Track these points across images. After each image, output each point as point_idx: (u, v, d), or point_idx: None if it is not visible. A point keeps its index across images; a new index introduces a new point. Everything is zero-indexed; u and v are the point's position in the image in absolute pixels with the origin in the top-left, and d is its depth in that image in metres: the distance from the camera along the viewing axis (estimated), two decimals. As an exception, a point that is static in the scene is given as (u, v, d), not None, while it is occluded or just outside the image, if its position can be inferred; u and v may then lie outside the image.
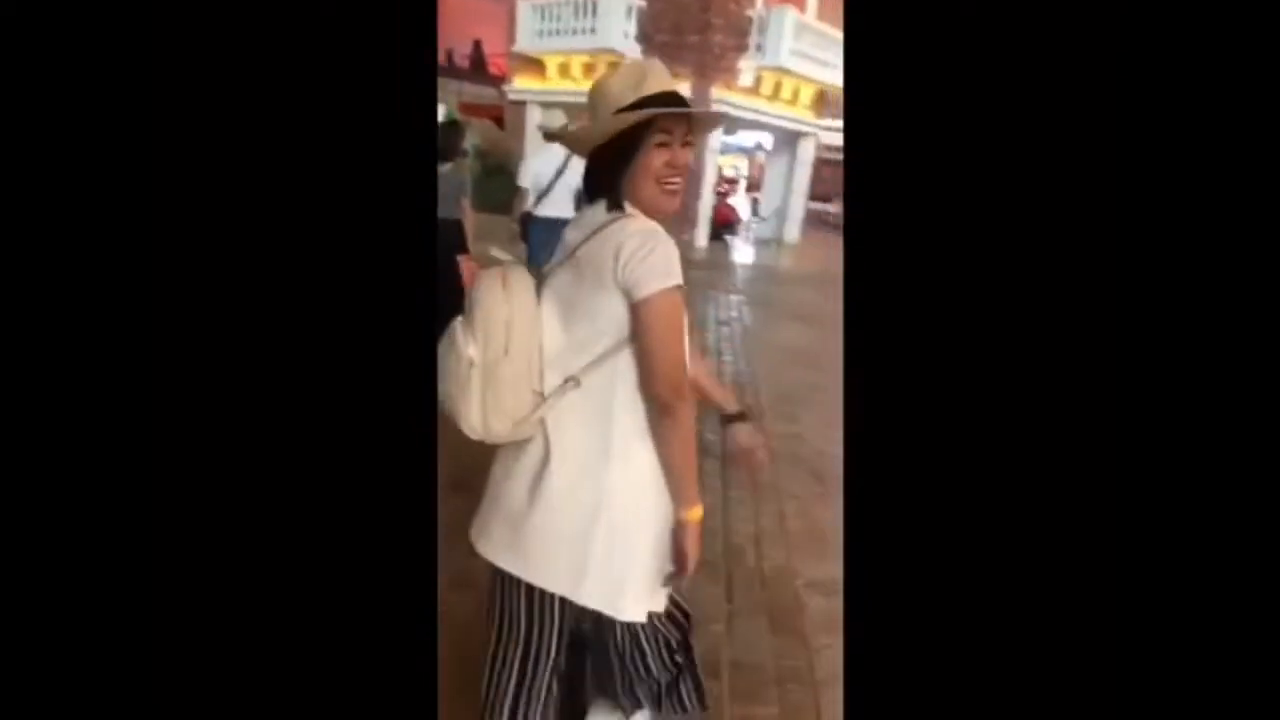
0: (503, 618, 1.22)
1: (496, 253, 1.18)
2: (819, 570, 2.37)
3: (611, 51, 10.48)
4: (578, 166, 4.33)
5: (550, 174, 4.29)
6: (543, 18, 11.39)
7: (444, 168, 3.65)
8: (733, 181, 19.62)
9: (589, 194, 1.13)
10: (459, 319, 1.09)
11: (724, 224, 12.67)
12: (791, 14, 10.73)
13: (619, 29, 10.38)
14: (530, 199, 4.36)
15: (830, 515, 2.78)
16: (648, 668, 1.33)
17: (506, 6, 12.42)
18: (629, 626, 1.26)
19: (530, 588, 1.15)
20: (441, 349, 1.07)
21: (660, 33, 10.46)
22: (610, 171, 1.07)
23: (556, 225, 3.79)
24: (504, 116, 13.33)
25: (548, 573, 1.12)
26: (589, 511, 1.09)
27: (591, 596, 1.12)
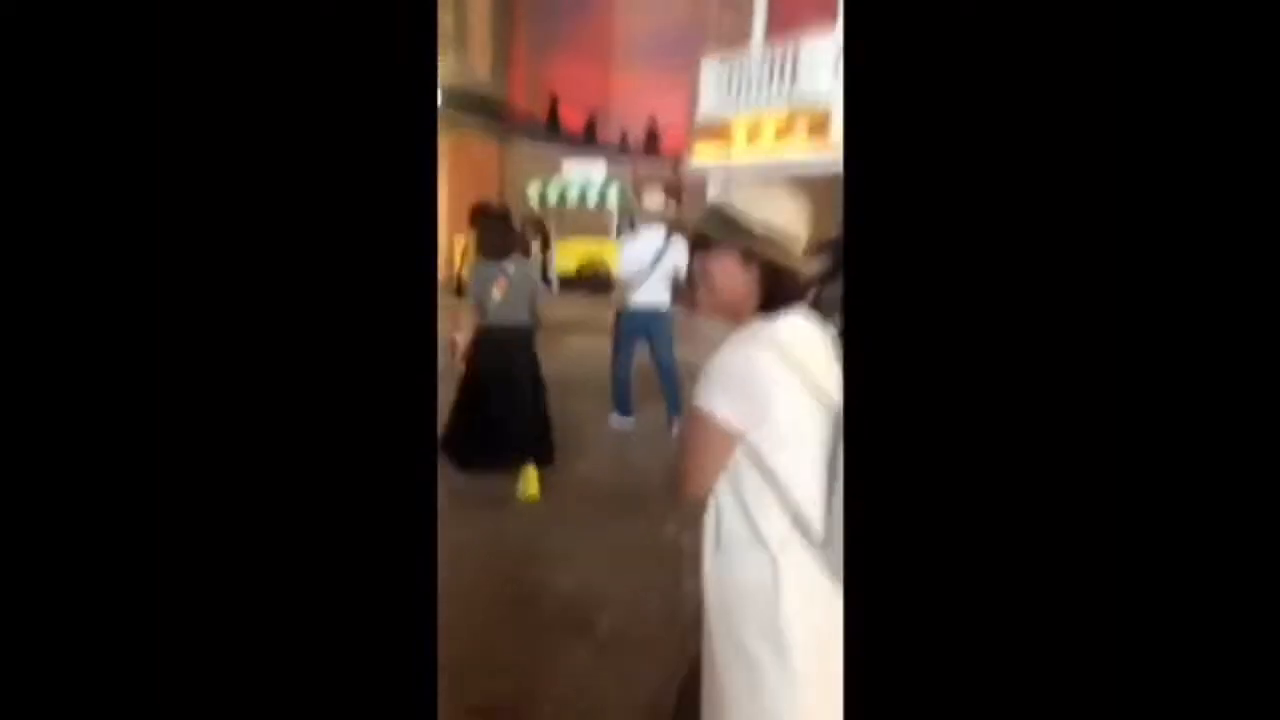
0: None
1: None
2: None
3: (814, 105, 8.65)
4: (677, 250, 3.97)
5: (649, 259, 3.99)
6: (731, 78, 9.90)
7: (508, 266, 3.16)
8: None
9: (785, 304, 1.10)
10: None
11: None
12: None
13: (826, 75, 8.54)
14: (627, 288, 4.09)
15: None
16: None
17: (689, 75, 11.29)
18: None
19: None
20: None
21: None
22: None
23: (647, 318, 4.18)
24: (682, 193, 11.98)
25: None
26: None
27: None
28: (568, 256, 11.17)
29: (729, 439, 1.02)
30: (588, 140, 14.65)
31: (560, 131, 14.65)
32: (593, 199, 11.34)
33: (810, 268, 1.09)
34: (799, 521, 1.01)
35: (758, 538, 1.02)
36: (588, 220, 11.51)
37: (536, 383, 3.33)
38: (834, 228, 1.13)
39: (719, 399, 1.01)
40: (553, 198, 11.44)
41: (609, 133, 14.98)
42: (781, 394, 0.99)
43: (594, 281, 11.08)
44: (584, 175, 11.69)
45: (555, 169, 12.36)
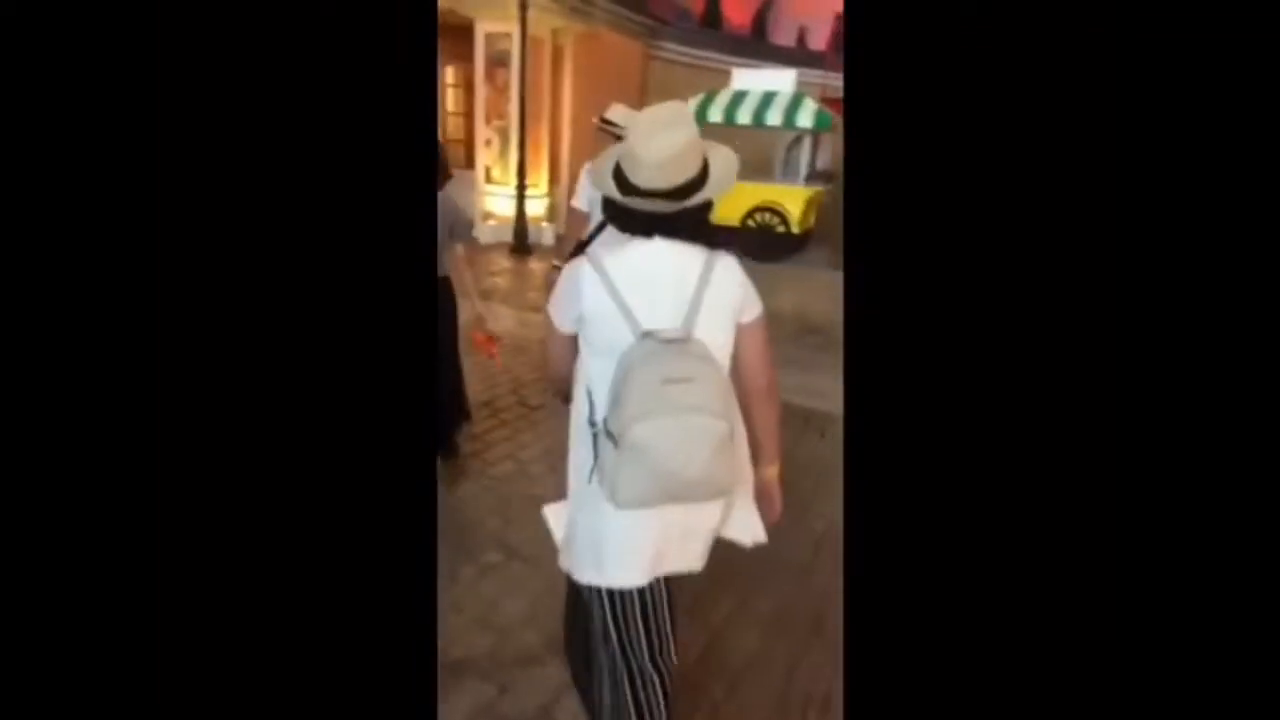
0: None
1: None
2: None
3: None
4: None
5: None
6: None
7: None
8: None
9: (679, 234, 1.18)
10: None
11: None
12: None
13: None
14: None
15: None
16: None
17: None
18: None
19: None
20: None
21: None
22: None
23: None
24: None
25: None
26: None
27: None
28: (730, 201, 8.25)
29: (564, 337, 1.24)
30: (755, 41, 11.40)
31: (721, 31, 11.46)
32: (774, 121, 8.26)
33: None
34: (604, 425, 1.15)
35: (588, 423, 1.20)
36: (757, 152, 8.44)
37: (449, 350, 2.76)
38: None
39: (551, 303, 1.24)
40: (715, 117, 8.43)
41: (782, 32, 11.64)
42: (590, 302, 1.15)
43: (764, 238, 8.18)
44: (763, 88, 8.56)
45: (713, 78, 9.30)
